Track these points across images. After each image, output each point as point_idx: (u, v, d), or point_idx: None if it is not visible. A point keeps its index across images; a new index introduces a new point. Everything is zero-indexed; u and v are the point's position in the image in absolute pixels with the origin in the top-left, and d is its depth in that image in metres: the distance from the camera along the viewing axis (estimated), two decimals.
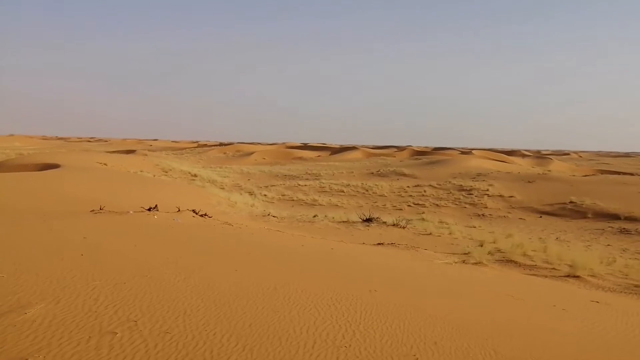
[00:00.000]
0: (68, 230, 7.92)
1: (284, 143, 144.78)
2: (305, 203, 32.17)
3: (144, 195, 18.75)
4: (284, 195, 35.29)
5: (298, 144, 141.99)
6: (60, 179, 20.71)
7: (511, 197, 32.16)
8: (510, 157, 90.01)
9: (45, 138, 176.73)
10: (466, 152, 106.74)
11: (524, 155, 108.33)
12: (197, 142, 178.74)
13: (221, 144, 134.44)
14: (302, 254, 8.84)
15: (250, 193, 34.89)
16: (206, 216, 13.25)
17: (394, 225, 19.99)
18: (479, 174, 42.38)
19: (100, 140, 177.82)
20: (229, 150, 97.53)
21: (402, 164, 58.31)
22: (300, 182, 42.17)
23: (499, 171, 44.03)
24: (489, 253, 14.07)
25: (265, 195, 34.50)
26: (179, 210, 12.64)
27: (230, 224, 12.93)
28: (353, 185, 39.35)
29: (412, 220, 22.48)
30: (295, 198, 33.79)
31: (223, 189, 36.64)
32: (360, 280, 6.51)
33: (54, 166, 29.26)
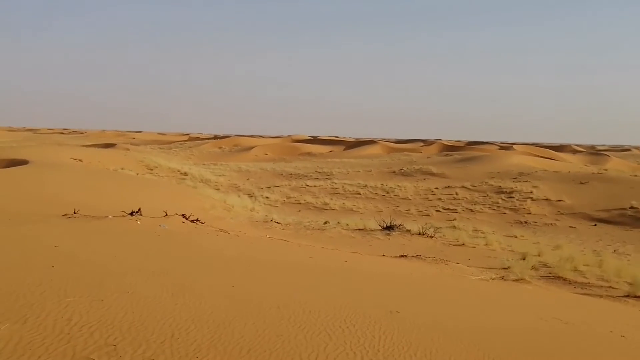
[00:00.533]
0: (37, 238, 8.01)
1: (289, 136, 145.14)
2: (315, 207, 32.18)
3: (125, 197, 18.89)
4: (289, 197, 35.34)
5: (306, 137, 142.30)
6: (29, 177, 20.95)
7: (560, 201, 31.92)
8: (558, 154, 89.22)
9: (11, 129, 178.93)
10: (506, 147, 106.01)
11: (575, 151, 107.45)
12: (187, 134, 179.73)
13: (216, 137, 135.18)
14: (310, 267, 8.85)
15: (250, 195, 35.01)
16: (198, 222, 13.32)
17: (419, 234, 19.94)
18: (521, 174, 42.09)
19: (74, 132, 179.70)
20: (225, 144, 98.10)
21: (429, 161, 58.11)
22: (309, 183, 42.27)
23: (545, 170, 43.70)
24: (533, 268, 13.97)
25: (267, 197, 34.61)
26: (166, 215, 12.71)
27: (226, 232, 12.99)
28: (371, 187, 39.32)
29: (441, 228, 22.38)
30: (302, 201, 33.84)
31: (218, 190, 36.80)
32: (379, 299, 6.50)
33: (22, 162, 29.62)
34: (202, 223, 13.46)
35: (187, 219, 13.12)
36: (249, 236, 13.43)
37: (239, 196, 32.33)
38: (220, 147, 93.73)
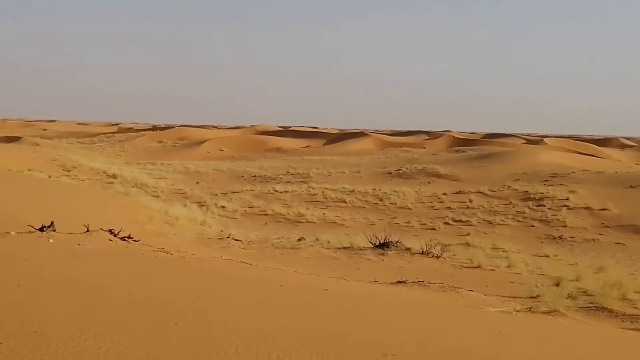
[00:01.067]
0: None
1: (252, 126, 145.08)
2: (286, 219, 32.11)
3: (33, 208, 18.64)
4: (252, 207, 35.22)
5: (275, 127, 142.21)
6: None
7: (604, 210, 32.33)
8: (602, 149, 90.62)
9: None
10: (535, 140, 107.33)
11: (623, 146, 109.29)
12: (117, 124, 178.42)
13: (155, 128, 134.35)
14: (280, 297, 8.83)
15: (201, 204, 34.84)
16: (131, 240, 13.20)
17: (422, 253, 20.04)
18: (554, 175, 42.61)
19: None
20: (168, 137, 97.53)
21: (435, 159, 58.48)
22: (279, 187, 42.21)
23: (585, 170, 44.29)
24: (570, 296, 14.13)
25: (223, 207, 34.47)
26: (88, 231, 12.57)
27: (168, 252, 12.90)
28: (360, 192, 39.43)
29: (450, 245, 22.51)
30: (269, 212, 33.75)
31: (157, 197, 36.51)
32: (370, 338, 6.50)
33: None
34: (136, 241, 13.33)
35: (115, 235, 12.99)
36: (199, 258, 13.35)
37: (186, 205, 32.14)
38: (160, 142, 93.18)
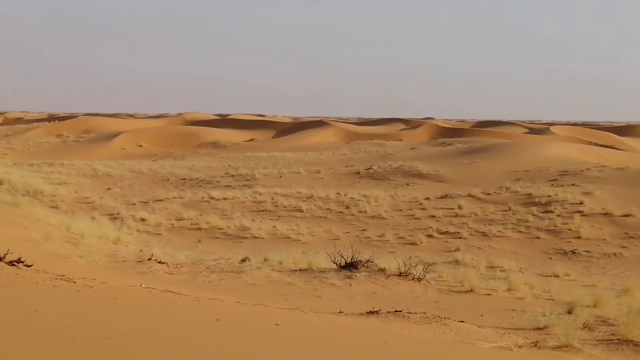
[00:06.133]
0: None
1: (180, 115, 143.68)
2: (225, 234, 31.90)
3: None
4: (181, 219, 34.90)
5: (210, 115, 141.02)
6: None
7: (627, 216, 32.66)
8: (623, 139, 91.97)
9: None
10: (539, 129, 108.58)
11: None
12: (1, 113, 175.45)
13: (52, 118, 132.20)
14: (216, 337, 8.78)
15: (114, 216, 34.44)
16: (21, 264, 13.00)
17: (399, 275, 20.07)
18: (563, 173, 43.09)
19: None
20: (69, 130, 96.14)
21: (415, 155, 58.76)
22: (215, 193, 41.89)
23: (602, 166, 44.82)
24: (586, 327, 14.25)
25: (142, 220, 34.09)
26: None
27: (70, 280, 12.72)
28: (320, 198, 39.41)
29: (435, 264, 22.60)
30: (204, 225, 33.46)
31: (57, 208, 35.96)
32: None
33: None
34: (28, 266, 13.13)
35: (1, 259, 12.80)
36: (111, 287, 13.20)
37: (94, 219, 31.72)
38: (59, 135, 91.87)
